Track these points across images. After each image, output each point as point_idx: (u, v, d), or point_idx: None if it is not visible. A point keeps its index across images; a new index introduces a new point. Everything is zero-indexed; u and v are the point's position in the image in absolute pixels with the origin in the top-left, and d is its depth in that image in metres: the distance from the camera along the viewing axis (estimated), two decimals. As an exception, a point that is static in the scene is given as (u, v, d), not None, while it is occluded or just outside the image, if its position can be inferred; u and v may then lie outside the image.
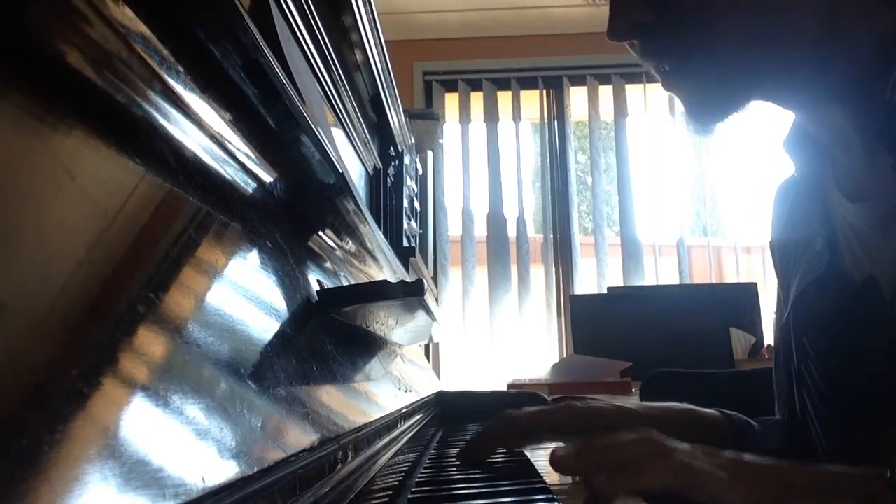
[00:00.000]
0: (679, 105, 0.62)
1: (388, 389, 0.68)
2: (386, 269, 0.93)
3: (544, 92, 3.18)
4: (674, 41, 0.57)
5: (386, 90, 1.28)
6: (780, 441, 0.70)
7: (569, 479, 0.60)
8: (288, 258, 0.47)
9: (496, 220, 3.04)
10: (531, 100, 3.18)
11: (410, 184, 1.79)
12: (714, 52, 0.56)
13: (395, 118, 1.41)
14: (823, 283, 0.63)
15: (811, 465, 0.46)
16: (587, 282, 3.02)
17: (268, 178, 0.48)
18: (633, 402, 0.71)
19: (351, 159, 1.10)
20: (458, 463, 0.68)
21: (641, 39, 0.59)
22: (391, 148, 1.47)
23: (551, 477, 0.59)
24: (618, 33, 0.59)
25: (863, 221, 0.58)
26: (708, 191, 3.16)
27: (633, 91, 3.10)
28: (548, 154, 3.14)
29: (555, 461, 0.49)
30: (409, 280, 0.75)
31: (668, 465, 0.45)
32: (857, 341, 0.59)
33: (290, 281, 0.46)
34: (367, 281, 0.78)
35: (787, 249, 0.72)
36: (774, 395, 0.78)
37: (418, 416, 0.91)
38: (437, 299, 2.62)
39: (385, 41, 1.22)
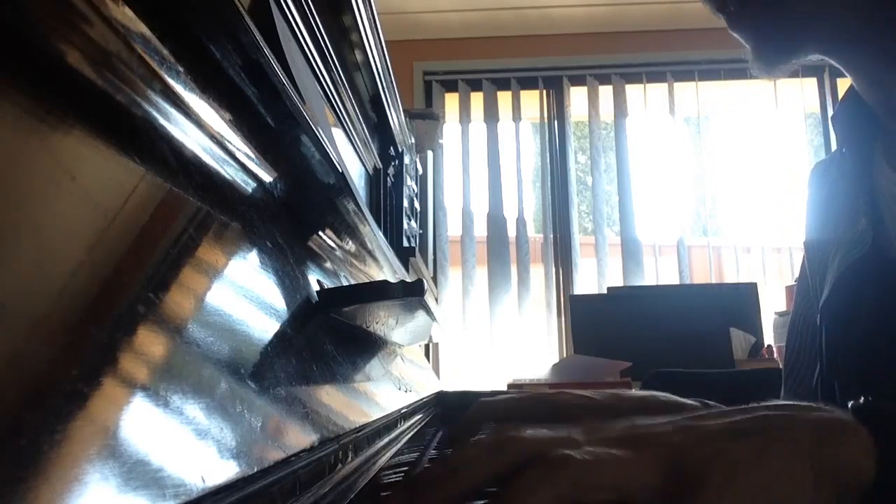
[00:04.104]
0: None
1: (388, 389, 0.68)
2: (386, 269, 0.93)
3: (544, 92, 3.18)
4: None
5: (386, 90, 1.28)
6: None
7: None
8: (288, 258, 0.47)
9: (496, 220, 3.04)
10: (531, 100, 3.18)
11: (410, 184, 1.79)
12: None
13: (395, 118, 1.41)
14: (865, 264, 0.61)
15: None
16: (587, 282, 3.02)
17: (268, 178, 0.48)
18: (608, 390, 0.69)
19: (351, 159, 1.10)
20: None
21: None
22: (391, 148, 1.47)
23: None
24: None
25: None
26: (708, 191, 3.16)
27: (632, 91, 3.10)
28: (548, 154, 3.14)
29: None
30: (409, 280, 0.75)
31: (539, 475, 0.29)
32: None
33: (290, 281, 0.46)
34: (367, 281, 0.78)
35: (825, 233, 0.70)
36: (782, 387, 0.77)
37: (418, 416, 0.91)
38: (437, 299, 2.62)
39: (385, 41, 1.22)
